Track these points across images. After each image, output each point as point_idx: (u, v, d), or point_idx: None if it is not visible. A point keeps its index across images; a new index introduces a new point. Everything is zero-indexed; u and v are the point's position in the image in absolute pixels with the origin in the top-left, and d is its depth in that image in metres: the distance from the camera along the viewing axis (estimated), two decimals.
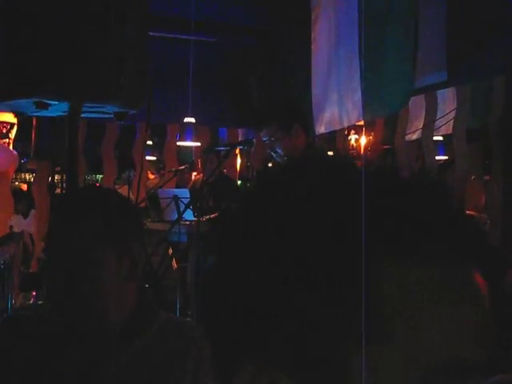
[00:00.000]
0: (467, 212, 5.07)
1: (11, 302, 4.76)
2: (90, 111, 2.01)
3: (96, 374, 1.27)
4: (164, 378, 1.30)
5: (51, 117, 2.21)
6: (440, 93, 5.35)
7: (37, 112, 1.97)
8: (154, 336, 1.34)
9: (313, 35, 5.23)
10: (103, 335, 1.29)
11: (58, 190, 7.98)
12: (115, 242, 1.32)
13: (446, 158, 7.02)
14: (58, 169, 7.13)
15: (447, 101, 5.40)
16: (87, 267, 1.28)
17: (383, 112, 4.57)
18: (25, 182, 10.88)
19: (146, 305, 1.39)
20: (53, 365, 1.30)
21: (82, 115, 2.03)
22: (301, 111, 3.58)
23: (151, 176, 9.19)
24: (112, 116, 2.09)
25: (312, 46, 5.25)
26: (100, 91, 1.71)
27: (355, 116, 4.60)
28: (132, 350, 1.32)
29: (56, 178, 7.02)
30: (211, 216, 5.73)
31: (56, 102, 1.78)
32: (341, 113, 4.81)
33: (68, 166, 2.11)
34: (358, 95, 4.41)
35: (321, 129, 5.21)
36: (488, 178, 6.05)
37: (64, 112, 1.96)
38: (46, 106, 1.76)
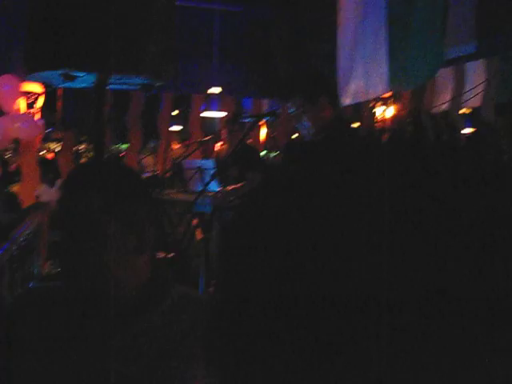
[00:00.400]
0: None
1: (38, 270, 4.84)
2: (117, 83, 2.01)
3: (109, 348, 1.28)
4: (176, 354, 1.30)
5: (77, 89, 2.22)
6: (469, 65, 5.26)
7: (64, 83, 1.98)
8: (167, 310, 1.33)
9: (339, 5, 5.16)
10: (115, 309, 1.29)
11: (84, 160, 8.06)
12: (121, 216, 1.30)
13: (472, 130, 6.94)
14: (83, 138, 7.18)
15: (477, 73, 5.31)
16: (92, 241, 1.27)
17: (409, 85, 4.52)
18: (51, 151, 10.99)
19: (159, 279, 1.38)
20: (67, 338, 1.30)
21: (109, 86, 2.03)
22: (327, 83, 3.54)
23: (175, 146, 9.22)
24: (138, 87, 2.10)
25: (338, 17, 5.18)
26: (127, 63, 1.71)
27: (381, 88, 4.55)
28: (145, 324, 1.31)
29: (82, 147, 7.08)
30: (236, 186, 5.76)
31: (83, 74, 1.79)
32: (367, 84, 4.77)
33: (94, 136, 2.12)
34: (385, 67, 4.37)
35: (346, 100, 5.17)
36: None
37: (91, 83, 1.96)
38: (72, 78, 1.77)
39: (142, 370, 1.26)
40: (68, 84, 1.98)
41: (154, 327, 1.30)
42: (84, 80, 1.95)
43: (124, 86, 2.14)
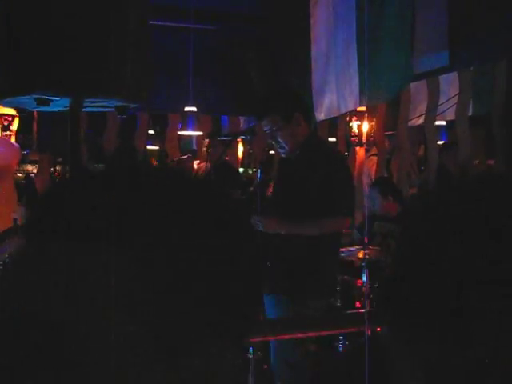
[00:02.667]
0: None
1: None
2: (92, 105, 2.00)
3: None
4: None
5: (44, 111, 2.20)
6: (445, 78, 5.32)
7: (38, 108, 1.96)
8: None
9: (312, 22, 5.21)
10: None
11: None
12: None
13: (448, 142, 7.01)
14: (59, 160, 7.13)
15: (452, 86, 5.38)
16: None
17: (380, 98, 4.57)
18: (27, 173, 10.88)
19: None
20: None
21: (84, 109, 2.02)
22: (301, 99, 3.57)
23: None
24: (113, 109, 2.08)
25: (311, 33, 5.23)
26: (101, 87, 1.70)
27: (352, 102, 4.61)
28: None
29: (58, 168, 7.02)
30: None
31: (57, 98, 1.77)
32: (339, 99, 4.82)
33: (70, 159, 2.10)
34: (356, 81, 4.41)
35: (321, 115, 5.21)
36: (491, 162, 6.04)
37: (65, 107, 1.95)
38: (47, 102, 1.75)
39: None
40: (42, 108, 1.96)
41: None
42: (58, 104, 1.93)
43: (99, 109, 2.12)
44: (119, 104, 1.93)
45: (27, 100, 1.80)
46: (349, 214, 3.33)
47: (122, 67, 1.70)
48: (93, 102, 1.92)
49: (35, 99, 1.75)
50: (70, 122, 1.97)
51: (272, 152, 5.11)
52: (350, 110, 4.86)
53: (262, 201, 3.47)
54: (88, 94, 1.72)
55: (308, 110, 3.55)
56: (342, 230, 3.56)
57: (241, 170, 9.17)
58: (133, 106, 2.01)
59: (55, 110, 2.03)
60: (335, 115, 5.24)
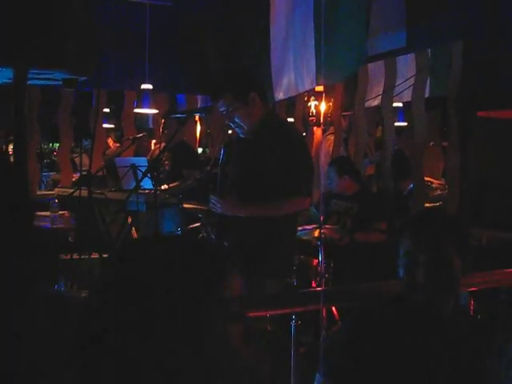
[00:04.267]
0: (427, 178, 5.08)
1: None
2: (38, 78, 1.92)
3: None
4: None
5: (1, 85, 2.10)
6: (402, 59, 5.33)
7: None
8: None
9: (271, 1, 5.15)
10: None
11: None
12: None
13: (405, 124, 7.05)
14: (11, 138, 6.94)
15: (409, 66, 5.39)
16: None
17: (336, 77, 4.56)
18: None
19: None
20: None
21: (30, 82, 1.93)
22: (256, 79, 3.52)
23: (111, 143, 9.04)
24: (61, 82, 2.00)
25: (270, 12, 5.18)
26: (44, 56, 1.62)
27: (310, 82, 4.59)
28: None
29: (10, 147, 6.84)
30: (171, 184, 5.69)
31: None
32: (296, 79, 4.80)
33: (15, 134, 2.02)
34: (313, 61, 4.40)
35: (280, 95, 5.18)
36: (446, 144, 6.10)
37: (9, 79, 1.87)
38: None
39: None
40: None
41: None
42: (2, 75, 1.85)
43: (46, 82, 2.04)
44: (66, 77, 1.86)
45: None
46: (308, 193, 3.32)
47: (65, 38, 1.63)
48: (37, 74, 1.84)
49: None
50: (15, 95, 1.89)
51: (230, 132, 5.06)
52: (307, 89, 4.84)
53: (222, 182, 3.43)
54: (30, 63, 1.65)
55: (263, 89, 3.50)
56: (302, 209, 3.54)
57: (199, 150, 9.09)
58: (80, 79, 1.94)
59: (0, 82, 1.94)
60: (293, 94, 5.21)
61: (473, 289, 3.15)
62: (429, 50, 5.07)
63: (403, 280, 1.93)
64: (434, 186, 6.22)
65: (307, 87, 4.64)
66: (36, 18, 1.66)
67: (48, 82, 2.04)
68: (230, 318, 0.84)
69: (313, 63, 4.35)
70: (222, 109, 3.31)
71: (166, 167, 5.82)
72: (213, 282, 0.85)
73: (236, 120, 3.30)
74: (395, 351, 1.88)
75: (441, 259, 1.88)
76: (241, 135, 3.41)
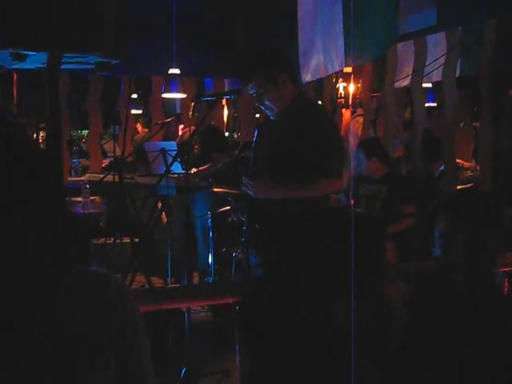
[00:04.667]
0: (457, 160, 5.05)
1: None
2: (71, 62, 1.93)
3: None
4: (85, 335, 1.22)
5: (33, 72, 2.13)
6: (431, 38, 5.25)
7: (15, 64, 1.89)
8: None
9: None
10: None
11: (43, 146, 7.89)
12: None
13: (435, 104, 6.97)
14: (42, 125, 7.03)
15: (439, 46, 5.31)
16: None
17: (365, 57, 4.51)
18: None
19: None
20: None
21: (63, 67, 1.95)
22: (287, 61, 3.49)
23: (140, 128, 9.10)
24: (94, 67, 2.02)
25: None
26: (78, 40, 1.64)
27: (339, 63, 4.54)
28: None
29: (41, 134, 6.92)
30: (200, 168, 5.70)
31: (34, 53, 1.70)
32: (325, 60, 4.75)
33: (50, 120, 2.04)
34: (341, 42, 4.35)
35: (307, 77, 5.14)
36: (477, 125, 6.01)
37: (43, 63, 1.88)
38: (22, 57, 1.68)
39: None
40: (19, 65, 1.89)
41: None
42: (35, 59, 1.87)
43: (78, 66, 2.06)
44: (99, 60, 1.87)
45: (3, 55, 1.74)
46: (339, 175, 3.30)
47: (98, 23, 1.64)
48: (71, 58, 1.86)
49: (11, 54, 1.69)
50: (49, 79, 1.91)
51: (257, 115, 5.04)
52: (336, 70, 4.79)
53: (255, 164, 3.42)
54: (64, 47, 1.66)
55: (294, 71, 3.48)
56: (333, 191, 3.53)
57: (226, 134, 9.10)
58: (113, 62, 1.95)
59: (33, 66, 1.96)
60: (322, 76, 5.16)
61: (506, 269, 3.13)
62: (459, 28, 4.98)
63: (439, 260, 1.94)
64: (464, 167, 6.16)
65: (336, 69, 4.59)
66: (69, 3, 1.67)
67: (81, 67, 2.06)
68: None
69: (342, 44, 4.30)
70: (252, 91, 3.30)
71: (196, 151, 5.83)
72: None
73: (266, 102, 3.29)
74: (427, 332, 1.89)
75: (478, 239, 1.89)
76: (271, 117, 3.40)
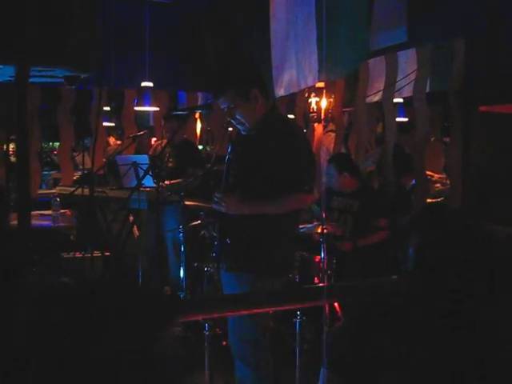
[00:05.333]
0: (427, 172, 5.10)
1: None
2: (39, 75, 1.91)
3: None
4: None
5: (1, 83, 2.09)
6: (402, 54, 5.31)
7: None
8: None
9: None
10: None
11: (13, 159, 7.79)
12: None
13: (406, 119, 7.04)
14: (13, 137, 6.93)
15: (410, 62, 5.38)
16: None
17: (338, 73, 4.55)
18: None
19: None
20: None
21: (32, 80, 1.93)
22: (257, 75, 3.49)
23: (113, 141, 9.02)
24: (63, 81, 2.00)
25: (270, 9, 5.16)
26: (46, 53, 1.62)
27: (312, 78, 4.58)
28: None
29: (11, 146, 6.84)
30: (172, 181, 5.68)
31: (1, 66, 1.68)
32: (298, 75, 4.78)
33: (18, 133, 2.01)
34: (315, 57, 4.38)
35: (280, 91, 5.16)
36: (447, 139, 6.08)
37: (11, 77, 1.86)
38: None
39: None
40: None
41: None
42: (3, 73, 1.84)
43: (47, 79, 2.03)
44: (67, 74, 1.85)
45: None
46: (311, 190, 3.30)
47: (67, 36, 1.62)
48: (39, 72, 1.84)
49: None
50: (17, 93, 1.88)
51: (230, 129, 5.05)
52: (309, 85, 4.82)
53: (227, 179, 3.41)
54: (32, 61, 1.64)
55: (265, 86, 3.49)
56: (304, 206, 3.53)
57: (199, 147, 9.08)
58: (82, 76, 1.93)
59: (0, 79, 1.93)
60: (295, 91, 5.19)
61: None
62: (430, 44, 5.05)
63: (412, 276, 1.93)
64: (434, 179, 6.22)
65: (309, 83, 4.63)
66: (37, 15, 1.65)
67: (50, 80, 2.03)
68: None
69: (315, 59, 4.34)
70: (224, 106, 3.30)
71: (170, 164, 5.81)
72: None
73: (238, 117, 3.28)
74: (398, 344, 1.89)
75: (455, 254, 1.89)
76: (243, 132, 3.39)
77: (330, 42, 4.08)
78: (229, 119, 3.37)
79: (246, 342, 3.21)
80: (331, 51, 4.12)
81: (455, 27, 4.37)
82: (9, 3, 1.64)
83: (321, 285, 3.66)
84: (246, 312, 2.71)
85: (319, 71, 4.32)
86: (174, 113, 5.22)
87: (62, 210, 5.42)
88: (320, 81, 4.64)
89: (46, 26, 1.64)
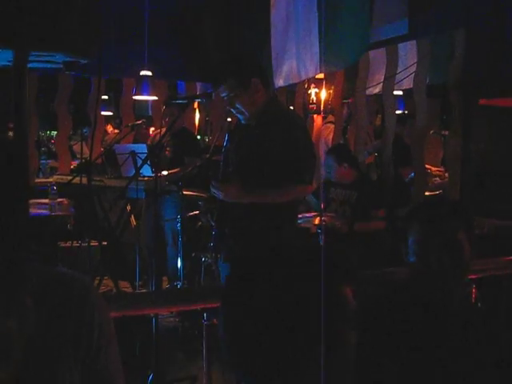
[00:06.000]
0: (426, 166, 5.06)
1: None
2: (38, 60, 1.89)
3: None
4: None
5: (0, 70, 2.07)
6: (402, 46, 5.30)
7: None
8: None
9: None
10: None
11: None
12: None
13: (405, 112, 7.02)
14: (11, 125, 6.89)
15: (409, 54, 5.36)
16: None
17: (339, 64, 4.52)
18: None
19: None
20: None
21: (30, 65, 1.90)
22: (259, 65, 3.48)
23: (111, 130, 8.99)
24: (62, 66, 1.97)
25: None
26: (46, 39, 1.59)
27: (313, 69, 4.54)
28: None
29: (10, 134, 6.81)
30: (171, 171, 5.66)
31: None
32: (299, 66, 4.75)
33: (16, 120, 1.99)
34: (316, 48, 4.35)
35: (280, 82, 5.13)
36: (446, 132, 6.07)
37: (9, 61, 1.83)
38: None
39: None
40: None
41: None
42: (1, 57, 1.82)
43: (46, 65, 2.01)
44: (67, 59, 1.83)
45: None
46: (310, 181, 3.29)
47: (68, 19, 1.60)
48: (38, 57, 1.81)
49: None
50: (15, 78, 1.86)
51: (229, 119, 5.03)
52: (310, 76, 4.79)
53: (225, 169, 3.40)
54: (31, 45, 1.62)
55: (266, 75, 3.47)
56: (303, 196, 3.52)
57: (198, 137, 9.05)
58: (82, 62, 1.91)
59: None
60: (295, 82, 5.16)
61: (474, 276, 3.15)
62: (430, 37, 5.03)
63: (414, 266, 1.93)
64: (433, 172, 6.21)
65: (310, 74, 4.60)
66: (36, 1, 1.63)
67: (48, 65, 2.01)
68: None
69: (316, 50, 4.31)
70: (224, 94, 3.28)
71: (168, 154, 5.79)
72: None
73: (237, 106, 3.27)
74: (399, 338, 1.88)
75: (453, 244, 1.90)
76: (242, 121, 3.38)
77: (332, 33, 4.05)
78: (229, 108, 3.35)
79: None
80: (333, 42, 4.09)
81: (456, 20, 4.35)
82: None
83: None
84: None
85: (321, 62, 4.30)
86: (174, 101, 5.19)
87: (59, 199, 5.40)
88: (321, 72, 4.62)
89: (46, 10, 1.62)
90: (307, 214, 4.20)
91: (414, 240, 1.94)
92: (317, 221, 4.08)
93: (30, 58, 1.81)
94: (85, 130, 7.89)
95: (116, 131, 8.60)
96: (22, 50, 1.65)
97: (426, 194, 5.17)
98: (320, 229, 3.96)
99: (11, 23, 1.61)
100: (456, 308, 1.96)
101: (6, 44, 1.60)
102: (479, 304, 3.38)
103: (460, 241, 1.91)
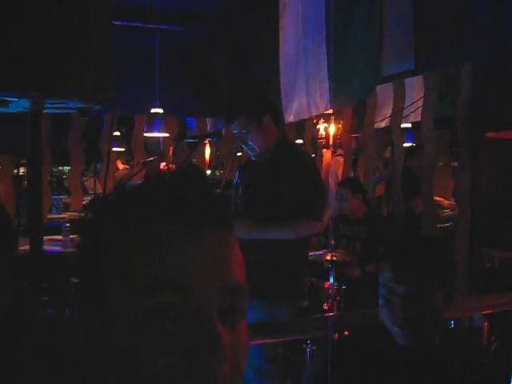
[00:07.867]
0: (437, 198, 5.06)
1: None
2: (53, 107, 1.94)
3: None
4: None
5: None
6: (408, 81, 5.36)
7: None
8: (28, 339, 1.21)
9: (280, 24, 5.20)
10: None
11: (25, 183, 7.84)
12: None
13: (413, 144, 7.06)
14: (23, 161, 7.00)
15: (415, 88, 5.42)
16: None
17: (350, 101, 4.59)
18: None
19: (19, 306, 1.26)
20: None
21: (45, 111, 1.96)
22: (271, 102, 3.54)
23: (121, 166, 9.07)
24: (76, 112, 2.02)
25: (280, 35, 5.22)
26: (61, 87, 1.64)
27: (323, 105, 4.61)
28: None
29: (22, 170, 6.89)
30: None
31: (16, 99, 1.71)
32: (309, 102, 4.81)
33: (30, 162, 2.04)
34: (326, 84, 4.42)
35: (290, 118, 5.20)
36: (456, 164, 6.09)
37: (25, 108, 1.89)
38: (5, 104, 1.69)
39: None
40: (1, 109, 1.90)
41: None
42: (18, 105, 1.87)
43: (61, 111, 2.07)
44: (80, 106, 1.88)
45: None
46: (320, 217, 3.31)
47: (82, 68, 1.65)
48: (53, 104, 1.87)
49: None
50: (31, 124, 1.91)
51: (239, 154, 5.09)
52: (320, 112, 4.86)
53: (236, 205, 3.43)
54: (47, 94, 1.67)
55: (277, 113, 3.53)
56: (314, 233, 3.54)
57: (208, 172, 9.12)
58: (96, 108, 1.96)
59: (15, 111, 1.97)
60: (305, 118, 5.23)
61: (486, 312, 3.14)
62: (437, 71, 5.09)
63: (381, 310, 1.84)
64: (444, 205, 6.22)
65: (321, 110, 4.67)
66: (54, 48, 1.68)
67: (63, 111, 2.06)
68: None
69: (326, 86, 4.37)
70: (236, 131, 3.33)
71: None
72: None
73: (249, 143, 3.32)
74: (372, 380, 1.81)
75: (420, 293, 1.76)
76: (252, 158, 3.42)
77: (341, 70, 4.12)
78: (240, 144, 3.40)
79: (250, 367, 3.20)
80: (342, 79, 4.15)
81: (462, 54, 4.40)
82: (22, 38, 1.68)
83: (328, 315, 3.63)
84: (251, 343, 2.71)
85: (331, 99, 4.36)
86: (185, 141, 5.25)
87: (71, 236, 5.44)
88: (332, 108, 4.68)
89: (60, 59, 1.67)
90: (318, 252, 4.21)
91: (382, 283, 1.82)
92: (328, 257, 4.09)
93: (46, 105, 1.86)
94: (98, 166, 7.98)
95: (126, 167, 8.67)
96: (37, 100, 1.71)
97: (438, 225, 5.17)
98: (331, 263, 3.97)
99: (26, 74, 1.66)
100: (436, 353, 1.82)
101: (22, 94, 1.66)
102: (492, 338, 3.35)
103: (429, 288, 1.77)
